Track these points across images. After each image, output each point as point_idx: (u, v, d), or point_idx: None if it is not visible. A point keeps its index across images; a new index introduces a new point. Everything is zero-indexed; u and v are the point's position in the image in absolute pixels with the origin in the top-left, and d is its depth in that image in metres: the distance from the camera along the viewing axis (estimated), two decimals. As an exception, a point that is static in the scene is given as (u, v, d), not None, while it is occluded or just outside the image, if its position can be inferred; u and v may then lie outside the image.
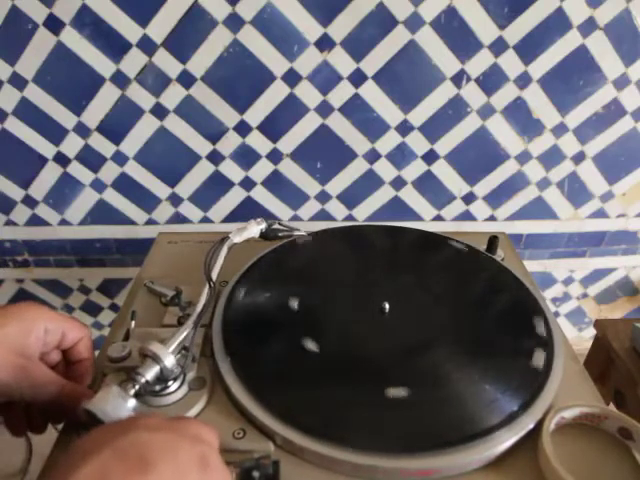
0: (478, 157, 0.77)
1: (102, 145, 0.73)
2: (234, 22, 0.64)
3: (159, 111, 0.70)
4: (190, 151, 0.74)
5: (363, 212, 0.82)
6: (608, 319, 0.65)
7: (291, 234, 0.52)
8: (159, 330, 0.42)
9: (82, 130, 0.71)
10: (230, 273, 0.48)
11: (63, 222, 0.81)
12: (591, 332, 1.01)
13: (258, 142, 0.74)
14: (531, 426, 0.34)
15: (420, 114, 0.72)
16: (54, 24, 0.63)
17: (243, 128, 0.72)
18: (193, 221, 0.82)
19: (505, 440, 0.33)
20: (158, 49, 0.65)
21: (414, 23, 0.65)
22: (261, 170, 0.77)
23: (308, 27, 0.65)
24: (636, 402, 0.56)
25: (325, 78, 0.68)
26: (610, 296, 0.98)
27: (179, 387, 0.36)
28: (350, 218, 0.83)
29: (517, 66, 0.68)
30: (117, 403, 0.32)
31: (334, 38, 0.65)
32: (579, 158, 0.78)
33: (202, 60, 0.66)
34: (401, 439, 0.33)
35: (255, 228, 0.48)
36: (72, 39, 0.64)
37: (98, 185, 0.77)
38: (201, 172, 0.76)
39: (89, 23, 0.63)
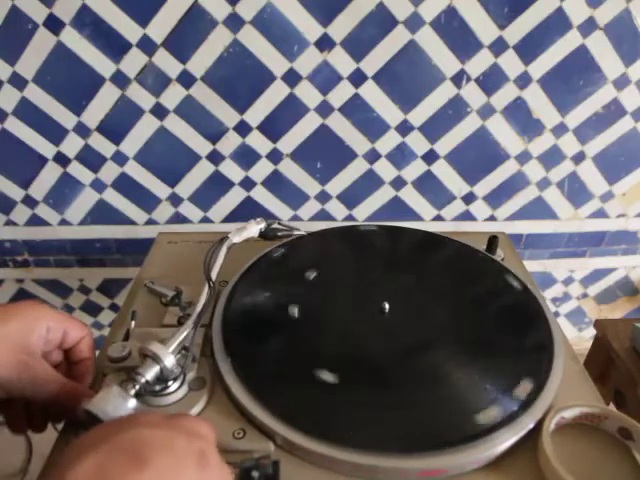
0: (478, 157, 0.77)
1: (102, 145, 0.73)
2: (234, 22, 0.64)
3: (159, 111, 0.70)
4: (190, 151, 0.74)
5: (363, 212, 0.82)
6: (608, 319, 0.65)
7: (291, 234, 0.52)
8: (159, 330, 0.42)
9: (82, 130, 0.71)
10: (230, 273, 0.48)
11: (63, 222, 0.81)
12: (591, 332, 1.01)
13: (258, 142, 0.74)
14: (531, 426, 0.34)
15: (420, 114, 0.72)
16: (54, 24, 0.63)
17: (243, 128, 0.72)
18: (193, 221, 0.82)
19: (505, 440, 0.33)
20: (158, 49, 0.65)
21: (414, 23, 0.65)
22: (261, 170, 0.77)
23: (308, 27, 0.65)
24: (636, 402, 0.56)
25: (325, 78, 0.69)
26: (610, 296, 0.98)
27: (179, 387, 0.36)
28: (350, 218, 0.83)
29: (517, 66, 0.68)
30: (117, 403, 0.32)
31: (334, 38, 0.65)
32: (579, 158, 0.78)
33: (202, 60, 0.66)
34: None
35: (254, 228, 0.48)
36: (72, 39, 0.64)
37: (98, 185, 0.77)
38: (201, 172, 0.76)
39: (89, 23, 0.63)
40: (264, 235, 0.49)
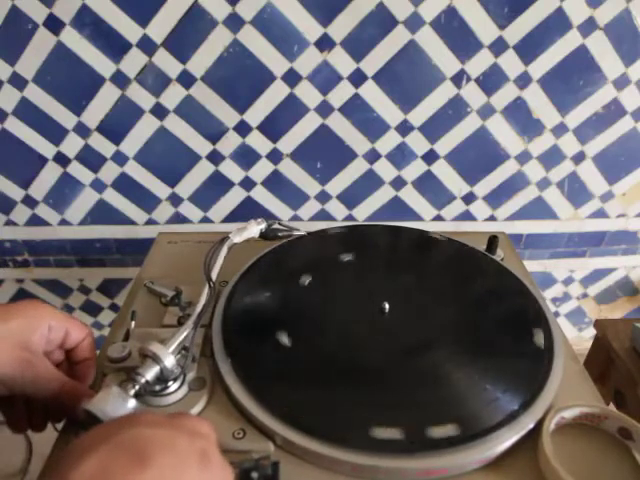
0: (478, 157, 0.77)
1: (102, 145, 0.73)
2: (234, 22, 0.64)
3: (159, 111, 0.70)
4: (190, 151, 0.74)
5: (363, 212, 0.82)
6: (608, 319, 0.65)
7: (291, 234, 0.52)
8: (159, 330, 0.42)
9: (82, 130, 0.71)
10: (230, 273, 0.48)
11: (63, 222, 0.81)
12: (591, 332, 1.01)
13: (258, 142, 0.74)
14: (531, 426, 0.34)
15: (420, 114, 0.72)
16: (54, 24, 0.63)
17: (243, 128, 0.72)
18: (193, 221, 0.82)
19: (505, 440, 0.33)
20: (158, 49, 0.65)
21: (414, 23, 0.65)
22: (261, 170, 0.77)
23: (308, 27, 0.65)
24: (636, 402, 0.56)
25: (325, 78, 0.68)
26: (610, 296, 0.98)
27: (179, 387, 0.36)
28: (350, 218, 0.83)
29: (517, 66, 0.68)
30: (117, 403, 0.32)
31: (334, 38, 0.65)
32: (579, 158, 0.78)
33: (202, 60, 0.66)
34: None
35: (255, 228, 0.48)
36: (72, 39, 0.64)
37: (98, 185, 0.77)
38: (201, 172, 0.76)
39: (89, 23, 0.63)
40: (265, 235, 0.49)
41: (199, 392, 0.37)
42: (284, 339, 0.42)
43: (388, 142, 0.75)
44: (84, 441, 0.24)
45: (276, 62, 0.67)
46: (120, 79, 0.67)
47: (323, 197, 0.80)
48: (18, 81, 0.67)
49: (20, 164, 0.74)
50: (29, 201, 0.78)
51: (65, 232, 0.82)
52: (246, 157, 0.75)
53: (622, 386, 0.59)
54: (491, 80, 0.70)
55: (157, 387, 0.35)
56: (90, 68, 0.66)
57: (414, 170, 0.78)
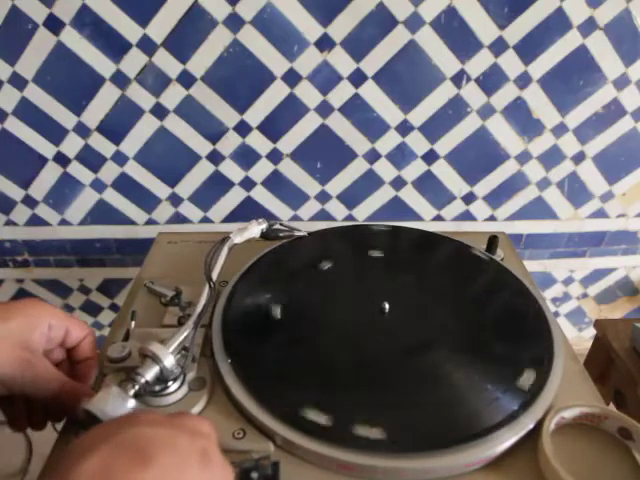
0: (478, 157, 0.77)
1: (102, 145, 0.73)
2: (234, 22, 0.64)
3: (159, 111, 0.70)
4: (190, 151, 0.74)
5: (363, 212, 0.82)
6: (608, 319, 0.65)
7: (292, 234, 0.52)
8: (159, 330, 0.42)
9: (82, 130, 0.71)
10: (230, 273, 0.48)
11: (63, 222, 0.81)
12: (591, 332, 1.01)
13: (258, 142, 0.74)
14: (531, 426, 0.34)
15: (420, 114, 0.72)
16: (54, 24, 0.63)
17: (243, 128, 0.72)
18: (193, 221, 0.82)
19: (505, 440, 0.33)
20: (158, 49, 0.65)
21: (414, 23, 0.65)
22: (261, 170, 0.77)
23: (308, 27, 0.65)
24: (636, 402, 0.56)
25: (325, 78, 0.68)
26: (610, 296, 0.98)
27: (179, 387, 0.36)
28: (350, 218, 0.83)
29: (517, 66, 0.68)
30: (117, 403, 0.32)
31: (334, 38, 0.65)
32: (579, 158, 0.78)
33: (202, 60, 0.66)
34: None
35: (256, 228, 0.48)
36: (72, 39, 0.64)
37: (98, 185, 0.77)
38: (201, 172, 0.76)
39: (89, 23, 0.63)
40: (265, 235, 0.49)
41: (199, 392, 0.37)
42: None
43: (388, 142, 0.75)
44: (84, 441, 0.24)
45: (276, 62, 0.67)
46: (120, 79, 0.67)
47: (323, 197, 0.80)
48: (18, 81, 0.67)
49: (20, 164, 0.74)
50: (29, 201, 0.78)
51: (65, 232, 0.82)
52: (246, 157, 0.75)
53: (622, 386, 0.59)
54: (491, 80, 0.70)
55: (157, 387, 0.35)
56: (90, 68, 0.66)
57: (414, 170, 0.78)
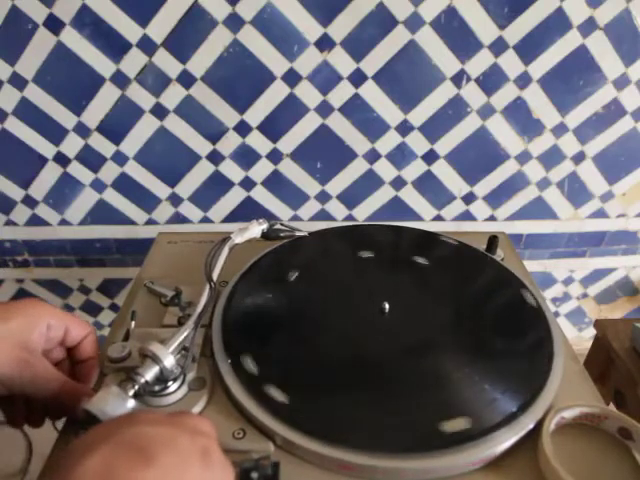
0: (478, 157, 0.77)
1: (102, 145, 0.73)
2: (234, 22, 0.64)
3: (159, 111, 0.70)
4: (190, 151, 0.74)
5: (363, 212, 0.82)
6: (608, 319, 0.65)
7: (292, 234, 0.52)
8: (159, 330, 0.42)
9: (82, 130, 0.71)
10: (230, 273, 0.48)
11: (63, 222, 0.81)
12: (591, 332, 1.01)
13: (258, 142, 0.74)
14: (531, 426, 0.34)
15: (420, 114, 0.72)
16: (54, 24, 0.63)
17: (243, 128, 0.72)
18: (193, 221, 0.82)
19: (505, 440, 0.33)
20: (158, 49, 0.65)
21: (414, 23, 0.65)
22: (261, 170, 0.77)
23: (308, 27, 0.65)
24: (636, 402, 0.56)
25: (325, 78, 0.68)
26: (610, 296, 0.98)
27: (179, 387, 0.36)
28: (350, 218, 0.83)
29: (517, 66, 0.68)
30: (116, 403, 0.32)
31: (334, 38, 0.65)
32: (579, 158, 0.78)
33: (202, 60, 0.66)
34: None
35: (257, 228, 0.48)
36: (72, 39, 0.64)
37: (98, 185, 0.77)
38: (201, 172, 0.76)
39: (89, 23, 0.63)
40: (266, 236, 0.49)
41: (199, 392, 0.37)
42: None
43: (388, 142, 0.75)
44: (85, 440, 0.24)
45: (276, 62, 0.67)
46: (120, 79, 0.67)
47: (323, 197, 0.80)
48: (18, 81, 0.67)
49: (20, 164, 0.74)
50: (29, 201, 0.78)
51: (65, 232, 0.82)
52: (246, 157, 0.75)
53: (622, 386, 0.59)
54: (491, 80, 0.70)
55: (157, 387, 0.35)
56: (90, 68, 0.66)
57: (414, 170, 0.78)
